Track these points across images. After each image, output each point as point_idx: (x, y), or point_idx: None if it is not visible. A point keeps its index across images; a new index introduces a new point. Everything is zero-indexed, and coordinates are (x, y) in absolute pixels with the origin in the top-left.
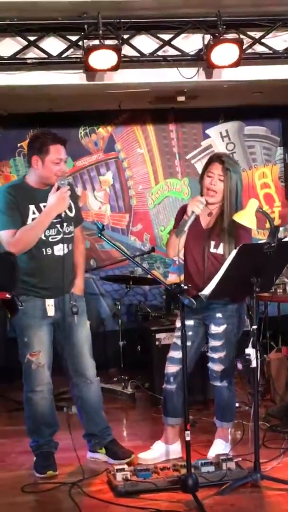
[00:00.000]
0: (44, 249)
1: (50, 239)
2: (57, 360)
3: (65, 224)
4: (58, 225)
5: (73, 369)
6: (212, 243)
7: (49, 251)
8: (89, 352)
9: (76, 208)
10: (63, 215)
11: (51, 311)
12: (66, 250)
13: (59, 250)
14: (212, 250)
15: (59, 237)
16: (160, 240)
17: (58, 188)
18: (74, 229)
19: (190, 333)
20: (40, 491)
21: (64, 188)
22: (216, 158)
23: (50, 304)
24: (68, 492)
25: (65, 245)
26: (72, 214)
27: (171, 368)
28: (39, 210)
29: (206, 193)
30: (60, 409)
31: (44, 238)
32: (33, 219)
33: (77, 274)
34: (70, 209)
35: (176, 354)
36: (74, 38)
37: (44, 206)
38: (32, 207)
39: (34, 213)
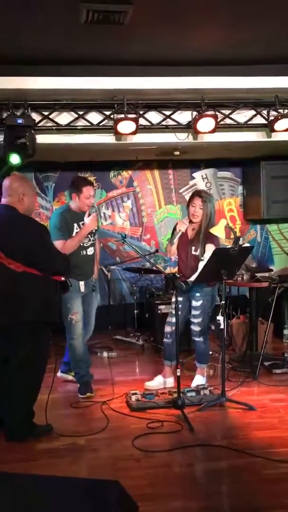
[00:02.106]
0: (81, 251)
1: (85, 245)
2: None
3: (93, 234)
4: (89, 236)
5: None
6: (193, 248)
7: (84, 252)
8: (94, 314)
9: (98, 225)
10: (93, 230)
11: (82, 288)
12: (92, 251)
13: (90, 251)
14: (193, 252)
15: (90, 243)
16: (161, 245)
17: (89, 214)
18: None
19: (180, 306)
20: (82, 407)
21: (95, 214)
22: (197, 193)
23: (82, 284)
24: (100, 408)
25: (92, 248)
26: (96, 228)
27: (168, 329)
28: (79, 226)
29: (191, 217)
30: (95, 354)
31: (81, 244)
32: (76, 233)
33: (96, 265)
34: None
35: (171, 319)
36: (108, 112)
37: (83, 224)
38: (75, 225)
39: (77, 228)
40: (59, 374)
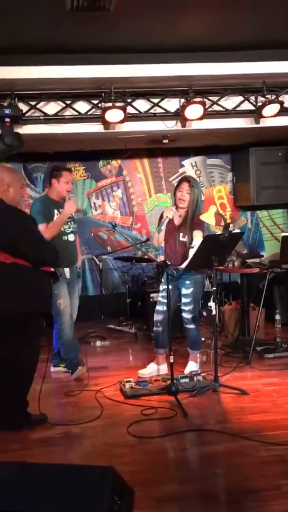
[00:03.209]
0: (63, 236)
1: (66, 231)
2: (86, 309)
3: (72, 222)
4: (69, 222)
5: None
6: (181, 234)
7: (65, 237)
8: (78, 299)
9: (87, 213)
10: (73, 216)
11: (68, 275)
12: (73, 238)
13: (71, 237)
14: (181, 239)
15: (70, 229)
16: (152, 234)
17: (69, 198)
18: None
19: (169, 293)
20: (76, 395)
21: (73, 198)
22: (185, 178)
23: (67, 271)
24: (94, 396)
25: (73, 234)
26: (75, 217)
27: (158, 317)
28: (59, 213)
29: (178, 202)
30: (88, 343)
31: (63, 230)
32: (56, 217)
33: (79, 253)
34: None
35: (160, 307)
36: (95, 101)
37: (61, 211)
38: (56, 211)
39: (57, 214)
40: (52, 369)
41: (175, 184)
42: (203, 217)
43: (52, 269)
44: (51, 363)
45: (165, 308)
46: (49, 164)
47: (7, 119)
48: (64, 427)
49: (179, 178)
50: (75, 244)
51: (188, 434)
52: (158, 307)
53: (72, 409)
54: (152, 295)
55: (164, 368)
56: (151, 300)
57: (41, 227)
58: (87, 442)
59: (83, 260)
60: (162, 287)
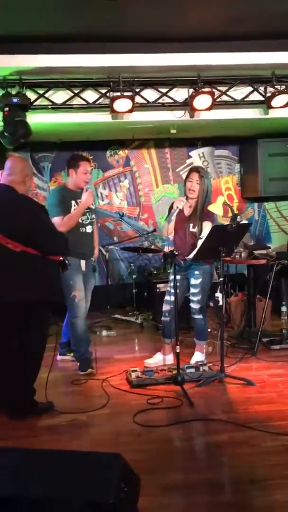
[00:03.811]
0: (80, 228)
1: (83, 222)
2: (92, 299)
3: (91, 213)
4: (87, 214)
5: None
6: (191, 225)
7: (83, 229)
8: (90, 294)
9: (94, 204)
10: (91, 207)
11: (83, 267)
12: (91, 230)
13: (89, 229)
14: (191, 229)
15: (88, 221)
16: (159, 224)
17: (87, 190)
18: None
19: (177, 284)
20: (83, 384)
21: (90, 190)
22: (195, 169)
23: (83, 263)
24: (101, 385)
25: (91, 226)
26: (93, 207)
27: (166, 307)
28: (77, 203)
29: (188, 192)
30: (94, 333)
31: (80, 221)
32: (74, 209)
33: (95, 246)
34: (93, 204)
35: (169, 298)
36: (103, 90)
37: (79, 201)
38: (73, 202)
39: (74, 205)
40: (58, 357)
41: (182, 174)
42: (211, 208)
43: (60, 258)
44: (58, 352)
45: (173, 298)
46: (57, 154)
47: (6, 108)
48: (70, 415)
49: (189, 168)
50: (93, 236)
51: (194, 423)
52: (167, 297)
53: (79, 398)
54: (159, 285)
55: (170, 358)
56: (158, 290)
57: (57, 220)
58: (93, 430)
59: None
60: (172, 277)
